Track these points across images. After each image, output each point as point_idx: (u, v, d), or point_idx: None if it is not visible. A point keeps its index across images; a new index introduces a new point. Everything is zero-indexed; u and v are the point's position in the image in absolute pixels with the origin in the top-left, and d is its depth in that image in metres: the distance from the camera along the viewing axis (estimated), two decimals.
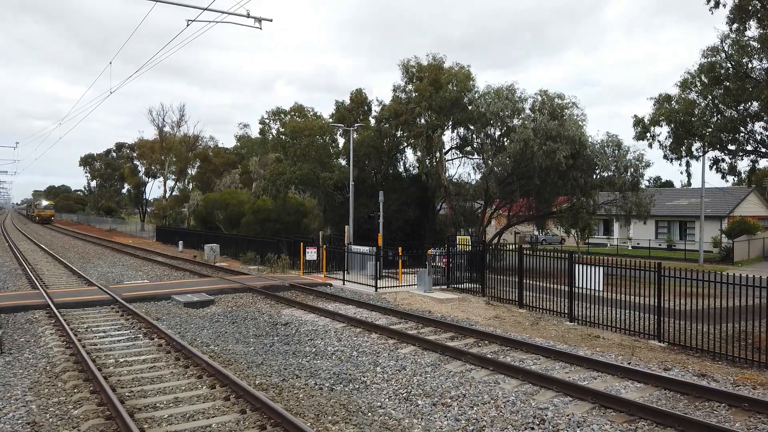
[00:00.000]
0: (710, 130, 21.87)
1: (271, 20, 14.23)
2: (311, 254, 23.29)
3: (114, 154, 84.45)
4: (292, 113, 36.00)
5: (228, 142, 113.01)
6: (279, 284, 19.98)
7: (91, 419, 7.57)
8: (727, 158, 23.70)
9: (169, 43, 29.39)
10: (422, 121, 29.01)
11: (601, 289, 14.21)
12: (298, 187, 36.04)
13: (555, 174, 25.43)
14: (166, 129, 63.49)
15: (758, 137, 22.18)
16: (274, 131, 37.36)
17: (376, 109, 32.74)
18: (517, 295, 16.81)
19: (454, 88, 28.71)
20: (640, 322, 13.21)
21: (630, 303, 14.11)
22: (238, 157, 60.53)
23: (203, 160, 61.14)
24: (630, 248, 43.64)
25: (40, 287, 18.58)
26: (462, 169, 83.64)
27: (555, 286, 16.26)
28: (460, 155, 32.14)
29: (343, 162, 33.19)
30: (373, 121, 32.51)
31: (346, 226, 27.41)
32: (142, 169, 74.99)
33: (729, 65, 20.64)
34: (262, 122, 38.01)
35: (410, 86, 29.98)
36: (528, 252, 17.73)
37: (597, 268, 14.30)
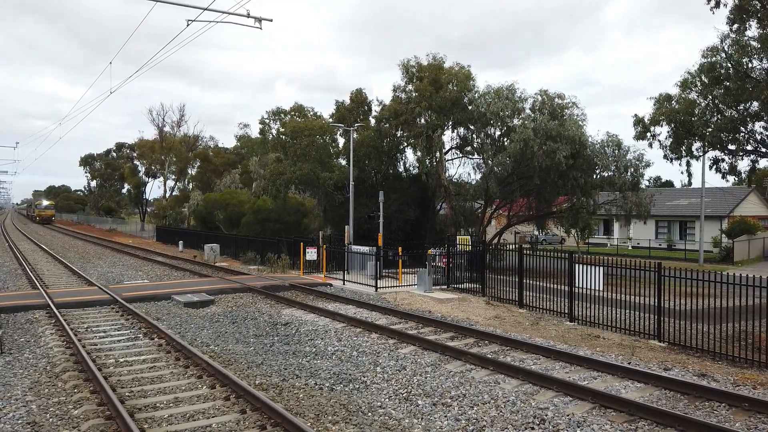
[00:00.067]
0: (710, 129, 21.88)
1: (271, 20, 14.24)
2: (311, 254, 23.29)
3: (114, 154, 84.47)
4: (292, 113, 36.00)
5: (228, 142, 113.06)
6: (279, 284, 19.98)
7: (91, 419, 7.57)
8: (727, 158, 23.74)
9: (169, 43, 29.41)
10: (422, 121, 29.01)
11: (601, 289, 14.21)
12: (298, 187, 36.04)
13: (555, 174, 25.42)
14: (166, 129, 63.56)
15: (758, 137, 22.21)
16: (274, 131, 37.38)
17: (376, 109, 32.78)
18: (517, 295, 16.81)
19: (454, 88, 28.71)
20: (641, 322, 13.21)
21: (630, 303, 14.11)
22: (238, 157, 60.51)
23: (203, 160, 61.14)
24: (630, 248, 43.64)
25: (40, 287, 18.58)
26: (462, 169, 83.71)
27: (555, 286, 16.26)
28: (460, 155, 32.17)
29: (343, 162, 33.19)
30: (373, 121, 32.52)
31: (346, 226, 27.40)
32: (142, 169, 75.04)
33: (729, 65, 20.65)
34: (262, 122, 38.04)
35: (410, 86, 29.98)
36: (528, 252, 17.73)
37: (597, 268, 14.30)
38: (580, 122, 26.57)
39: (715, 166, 24.36)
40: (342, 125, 31.19)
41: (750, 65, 20.49)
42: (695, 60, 44.07)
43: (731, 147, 22.80)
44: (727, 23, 20.17)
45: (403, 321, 14.32)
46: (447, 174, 31.41)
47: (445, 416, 7.83)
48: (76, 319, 14.16)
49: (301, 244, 24.01)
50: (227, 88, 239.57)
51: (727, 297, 11.21)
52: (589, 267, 14.49)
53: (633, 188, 27.32)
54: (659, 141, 23.81)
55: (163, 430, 7.22)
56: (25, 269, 24.63)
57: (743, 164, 24.22)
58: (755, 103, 20.90)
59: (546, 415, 7.82)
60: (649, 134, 23.73)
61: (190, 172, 65.11)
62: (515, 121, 27.42)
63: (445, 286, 20.27)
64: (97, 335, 12.50)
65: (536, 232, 45.98)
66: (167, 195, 65.69)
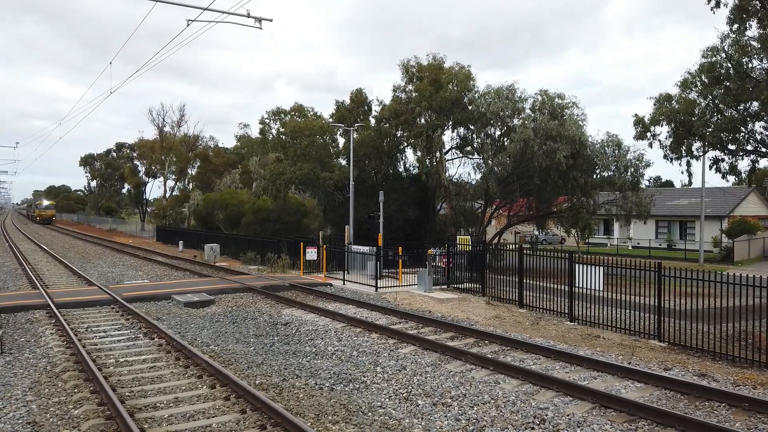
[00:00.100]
0: (710, 129, 21.89)
1: (271, 20, 14.24)
2: (311, 254, 23.29)
3: (114, 154, 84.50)
4: (293, 113, 36.00)
5: (228, 142, 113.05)
6: (279, 284, 19.98)
7: (91, 419, 7.57)
8: (727, 158, 23.74)
9: (169, 43, 29.42)
10: (422, 121, 29.01)
11: (601, 288, 14.21)
12: (298, 187, 36.05)
13: (555, 174, 25.43)
14: (167, 129, 63.59)
15: (758, 137, 22.22)
16: (274, 131, 37.38)
17: (376, 109, 32.79)
18: (517, 294, 16.81)
19: (454, 88, 28.71)
20: (641, 321, 13.21)
21: (630, 303, 14.11)
22: (239, 157, 60.54)
23: (203, 160, 61.16)
24: (630, 248, 43.64)
25: (40, 287, 18.58)
26: (462, 169, 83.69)
27: (555, 285, 16.26)
28: (460, 155, 32.18)
29: (344, 162, 33.20)
30: (373, 121, 32.52)
31: (346, 226, 27.41)
32: (142, 169, 75.09)
33: (729, 65, 20.65)
34: (262, 122, 38.03)
35: (410, 86, 29.98)
36: (528, 252, 17.73)
37: (597, 267, 14.30)
38: (580, 122, 26.59)
39: (715, 166, 24.38)
40: (342, 125, 31.20)
41: (750, 65, 20.51)
42: (695, 60, 44.10)
43: (731, 147, 22.81)
44: (727, 23, 20.19)
45: (403, 321, 14.32)
46: (447, 174, 31.42)
47: (446, 416, 7.83)
48: (77, 319, 14.16)
49: (301, 244, 24.01)
50: (227, 88, 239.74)
51: (727, 297, 11.21)
52: (589, 267, 14.50)
53: (633, 188, 27.33)
54: (659, 141, 23.85)
55: (163, 430, 7.22)
56: (25, 269, 24.63)
57: (743, 164, 24.25)
58: (755, 103, 20.91)
59: (546, 415, 7.82)
60: (649, 134, 23.75)
61: (190, 172, 65.15)
62: (515, 121, 27.42)
63: (445, 286, 20.27)
64: (98, 335, 12.50)
65: (536, 232, 45.98)
66: (167, 195, 65.72)
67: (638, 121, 23.88)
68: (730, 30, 20.23)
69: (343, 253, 23.82)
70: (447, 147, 31.30)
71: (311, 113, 35.82)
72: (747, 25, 19.90)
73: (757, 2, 19.35)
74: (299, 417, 7.64)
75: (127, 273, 24.42)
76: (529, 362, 10.50)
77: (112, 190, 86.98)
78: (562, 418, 7.71)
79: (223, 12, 14.00)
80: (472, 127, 29.82)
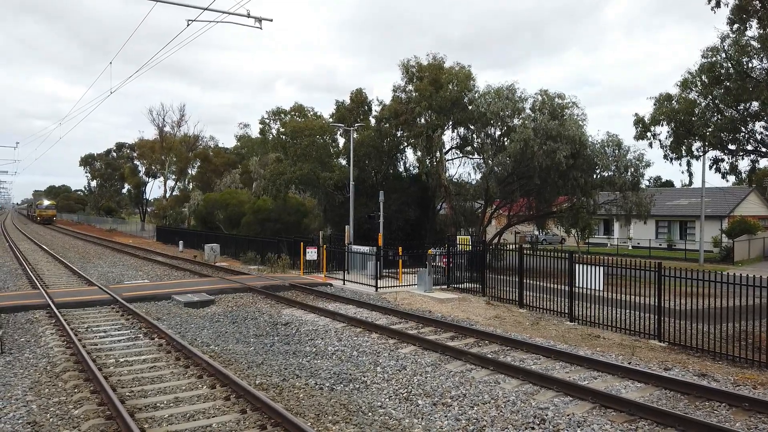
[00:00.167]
0: (710, 129, 21.87)
1: (271, 20, 14.24)
2: (311, 254, 23.29)
3: (114, 154, 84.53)
4: (293, 113, 36.00)
5: (228, 142, 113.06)
6: (279, 284, 19.98)
7: (91, 419, 7.57)
8: (727, 158, 23.72)
9: (170, 43, 29.41)
10: (422, 120, 29.02)
11: (601, 288, 14.21)
12: (299, 187, 36.06)
13: (555, 174, 25.43)
14: (167, 129, 63.60)
15: (758, 137, 22.20)
16: (274, 131, 37.39)
17: (376, 109, 32.80)
18: (518, 294, 16.81)
19: (455, 88, 28.71)
20: (641, 321, 13.21)
21: (630, 303, 14.11)
22: (239, 157, 60.55)
23: (203, 160, 61.16)
24: (630, 248, 43.64)
25: (40, 287, 18.58)
26: (462, 169, 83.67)
27: (555, 285, 16.25)
28: (461, 155, 32.19)
29: (344, 162, 33.20)
30: (373, 121, 32.53)
31: (346, 226, 27.41)
32: (142, 169, 75.12)
33: (729, 65, 20.64)
34: (262, 122, 38.05)
35: (410, 86, 29.99)
36: (528, 252, 17.73)
37: (597, 267, 14.30)
38: (580, 122, 26.59)
39: (715, 166, 24.36)
40: (342, 125, 31.20)
41: (750, 65, 20.49)
42: (695, 60, 44.09)
43: (731, 147, 22.79)
44: (727, 23, 20.18)
45: (403, 321, 14.32)
46: (447, 174, 31.43)
47: (446, 416, 7.83)
48: (77, 319, 14.16)
49: (302, 244, 24.01)
50: (227, 88, 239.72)
51: (728, 297, 11.21)
52: (589, 267, 14.49)
53: (633, 188, 27.33)
54: (659, 141, 23.83)
55: (163, 430, 7.22)
56: (26, 269, 24.64)
57: (743, 164, 24.24)
58: (755, 103, 20.89)
59: (546, 415, 7.82)
60: (649, 134, 23.73)
61: (190, 172, 65.17)
62: (515, 121, 27.42)
63: (446, 286, 20.27)
64: (98, 335, 12.50)
65: (536, 232, 45.99)
66: (167, 195, 65.73)
67: (638, 121, 23.87)
68: (731, 30, 20.23)
69: (343, 253, 23.82)
70: (447, 147, 31.36)
71: (311, 113, 35.83)
72: (747, 25, 19.90)
73: (757, 2, 19.35)
74: (299, 417, 7.64)
75: (127, 273, 24.42)
76: (529, 362, 10.50)
77: (112, 190, 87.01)
78: (563, 418, 7.71)
79: (223, 12, 14.00)
80: (472, 127, 29.82)
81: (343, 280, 21.14)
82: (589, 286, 14.37)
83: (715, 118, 21.92)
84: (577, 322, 14.51)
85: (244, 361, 10.51)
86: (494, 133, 29.07)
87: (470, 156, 31.53)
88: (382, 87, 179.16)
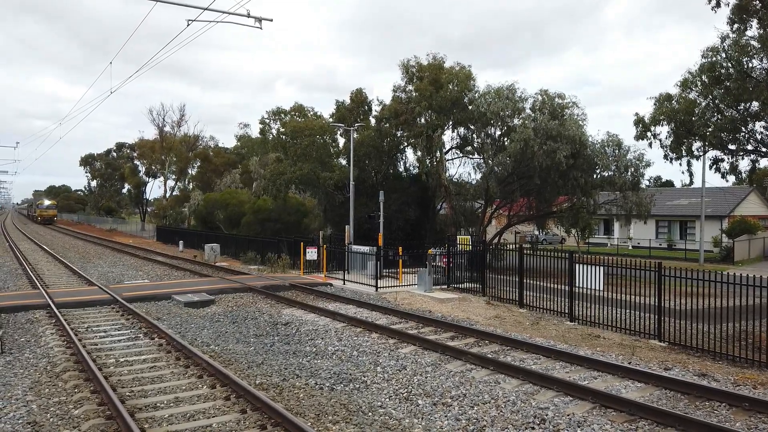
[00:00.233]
0: (710, 129, 21.87)
1: (271, 20, 14.24)
2: (311, 254, 23.29)
3: (114, 154, 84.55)
4: (293, 113, 36.00)
5: (228, 142, 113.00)
6: (279, 284, 19.98)
7: (91, 419, 7.57)
8: (727, 158, 23.72)
9: (170, 43, 29.41)
10: (422, 120, 29.02)
11: (601, 288, 14.21)
12: (299, 187, 36.05)
13: (555, 174, 25.43)
14: (167, 129, 63.63)
15: (758, 137, 22.19)
16: (274, 131, 37.38)
17: (376, 108, 32.80)
18: (518, 294, 16.81)
19: (455, 88, 28.71)
20: (641, 321, 13.21)
21: (630, 303, 14.10)
22: (239, 157, 60.58)
23: (203, 160, 61.18)
24: (630, 248, 43.64)
25: (40, 287, 18.58)
26: (462, 169, 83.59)
27: (555, 285, 16.26)
28: (461, 155, 32.19)
29: (344, 162, 33.20)
30: (373, 121, 32.53)
31: (346, 226, 27.41)
32: (142, 169, 75.14)
33: (729, 65, 20.64)
34: (262, 122, 38.03)
35: (410, 86, 29.99)
36: (528, 252, 17.73)
37: (597, 267, 14.30)
38: (580, 122, 26.59)
39: (715, 166, 24.35)
40: (342, 125, 31.21)
41: (750, 65, 20.48)
42: (695, 60, 44.11)
43: (731, 147, 22.79)
44: (727, 23, 20.17)
45: (403, 321, 14.33)
46: (447, 174, 31.42)
47: (446, 416, 7.83)
48: (77, 318, 14.16)
49: (302, 243, 24.01)
50: (227, 88, 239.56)
51: (728, 297, 11.20)
52: (589, 267, 14.49)
53: (633, 188, 27.33)
54: (659, 141, 23.81)
55: (163, 430, 7.22)
56: (26, 269, 24.64)
57: (743, 164, 24.23)
58: (755, 103, 20.88)
59: (546, 415, 7.82)
60: (649, 134, 23.72)
61: (190, 172, 65.20)
62: (515, 121, 27.42)
63: (446, 286, 20.27)
64: (98, 335, 12.51)
65: (536, 232, 45.99)
66: (167, 195, 65.74)
67: (638, 121, 23.86)
68: (731, 30, 20.22)
69: (343, 253, 23.83)
70: (447, 147, 31.36)
71: (311, 113, 35.83)
72: (747, 25, 19.89)
73: (758, 2, 19.34)
74: (299, 417, 7.65)
75: (127, 273, 24.42)
76: (529, 362, 10.50)
77: (113, 190, 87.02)
78: (563, 418, 7.71)
79: (223, 12, 14.00)
80: (472, 127, 29.83)
81: (343, 280, 21.14)
82: (589, 286, 14.37)
83: (715, 118, 21.92)
84: (577, 322, 14.51)
85: (244, 361, 10.51)
86: (494, 133, 29.08)
87: (470, 156, 31.55)
88: (382, 87, 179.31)
